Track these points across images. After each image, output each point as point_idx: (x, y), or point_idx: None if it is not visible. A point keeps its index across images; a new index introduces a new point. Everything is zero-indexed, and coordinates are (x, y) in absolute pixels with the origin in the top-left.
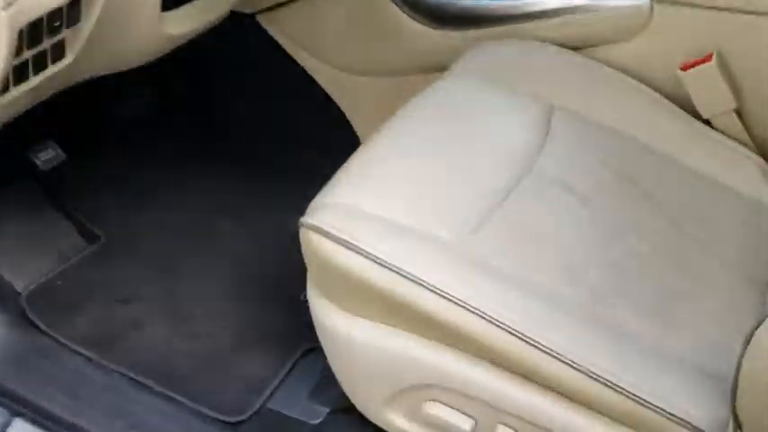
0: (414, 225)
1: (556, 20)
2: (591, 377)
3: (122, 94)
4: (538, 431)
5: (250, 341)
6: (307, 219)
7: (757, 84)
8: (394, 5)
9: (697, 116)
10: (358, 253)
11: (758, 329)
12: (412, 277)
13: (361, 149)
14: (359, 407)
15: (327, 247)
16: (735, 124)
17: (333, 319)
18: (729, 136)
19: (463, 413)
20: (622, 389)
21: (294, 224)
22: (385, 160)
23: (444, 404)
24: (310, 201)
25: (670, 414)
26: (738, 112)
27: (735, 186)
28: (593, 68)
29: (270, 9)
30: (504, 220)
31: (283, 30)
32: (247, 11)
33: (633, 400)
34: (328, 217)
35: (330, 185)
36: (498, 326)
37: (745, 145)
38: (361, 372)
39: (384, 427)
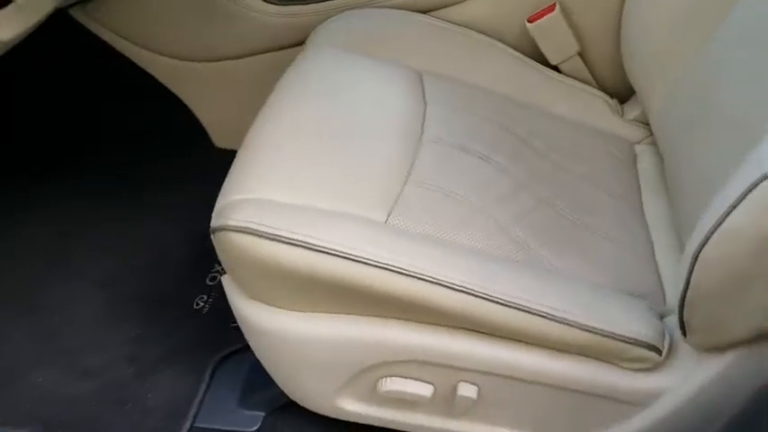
0: (333, 208)
1: None
2: (543, 317)
3: None
4: (499, 380)
5: (154, 363)
6: (220, 221)
7: (594, 27)
8: None
9: (545, 63)
10: (289, 243)
11: (703, 249)
12: (351, 257)
13: (247, 141)
14: (304, 402)
15: (253, 244)
16: (579, 67)
17: (267, 320)
18: (576, 78)
19: (421, 380)
20: (577, 323)
21: (161, 231)
22: (277, 149)
23: (399, 377)
24: (170, 205)
25: (625, 338)
26: (581, 55)
27: (593, 124)
28: (447, 30)
29: (83, 2)
30: (417, 188)
31: (104, 23)
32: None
33: (589, 331)
34: (244, 214)
35: (229, 184)
36: (441, 284)
37: (590, 84)
38: (307, 367)
39: (336, 416)
